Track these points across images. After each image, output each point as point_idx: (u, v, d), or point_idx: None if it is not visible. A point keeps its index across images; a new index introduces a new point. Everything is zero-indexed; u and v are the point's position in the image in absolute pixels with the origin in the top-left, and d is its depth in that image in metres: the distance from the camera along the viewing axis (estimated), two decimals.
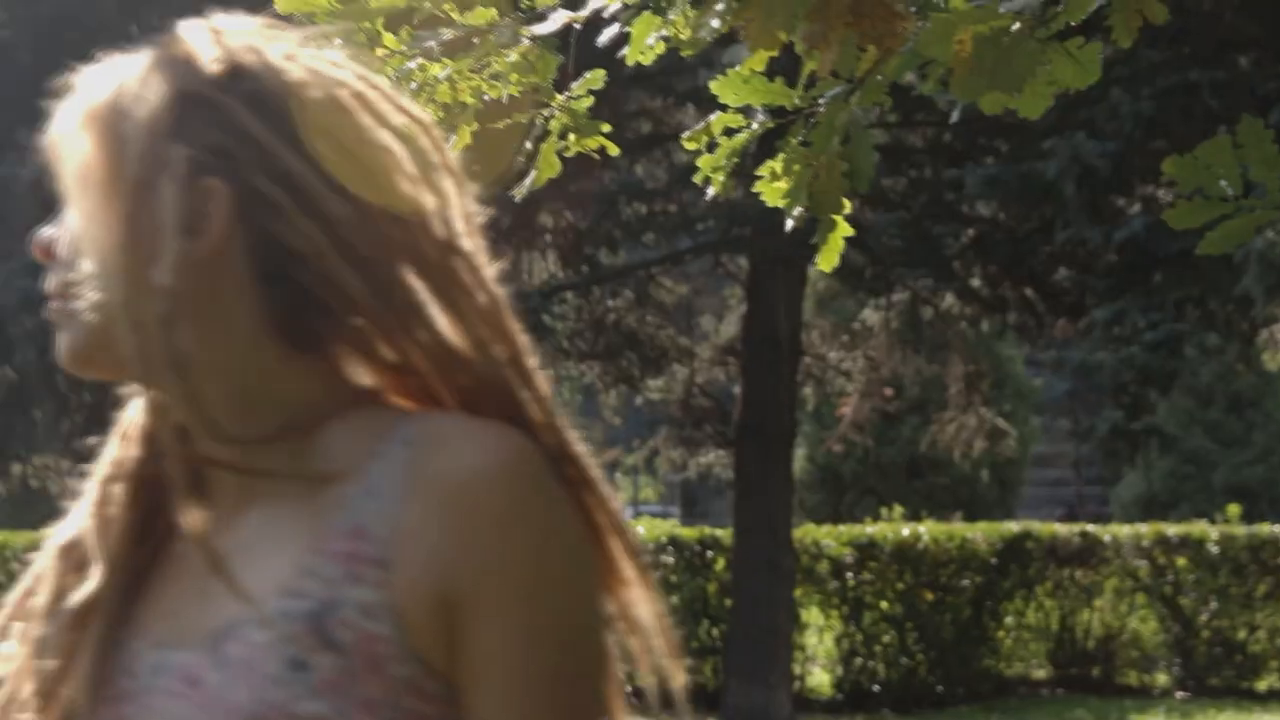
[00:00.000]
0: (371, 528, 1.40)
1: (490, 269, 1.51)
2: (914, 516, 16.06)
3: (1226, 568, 14.22)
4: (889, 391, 15.70)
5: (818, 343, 14.98)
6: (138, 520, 1.53)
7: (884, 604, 14.04)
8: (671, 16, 2.93)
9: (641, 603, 1.50)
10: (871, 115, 3.05)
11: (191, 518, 1.43)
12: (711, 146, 2.99)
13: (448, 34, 2.94)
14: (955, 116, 3.50)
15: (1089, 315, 12.29)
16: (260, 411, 1.46)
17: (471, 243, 1.51)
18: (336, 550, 1.41)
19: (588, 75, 2.98)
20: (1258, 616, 14.27)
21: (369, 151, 1.47)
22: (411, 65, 2.93)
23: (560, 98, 2.99)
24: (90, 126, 1.47)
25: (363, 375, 1.50)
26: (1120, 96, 10.40)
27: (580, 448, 1.48)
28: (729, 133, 2.99)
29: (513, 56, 2.99)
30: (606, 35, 2.93)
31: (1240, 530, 14.43)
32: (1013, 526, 14.72)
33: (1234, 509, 15.12)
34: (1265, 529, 14.51)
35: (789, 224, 2.97)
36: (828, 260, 3.01)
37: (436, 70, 2.96)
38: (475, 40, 2.97)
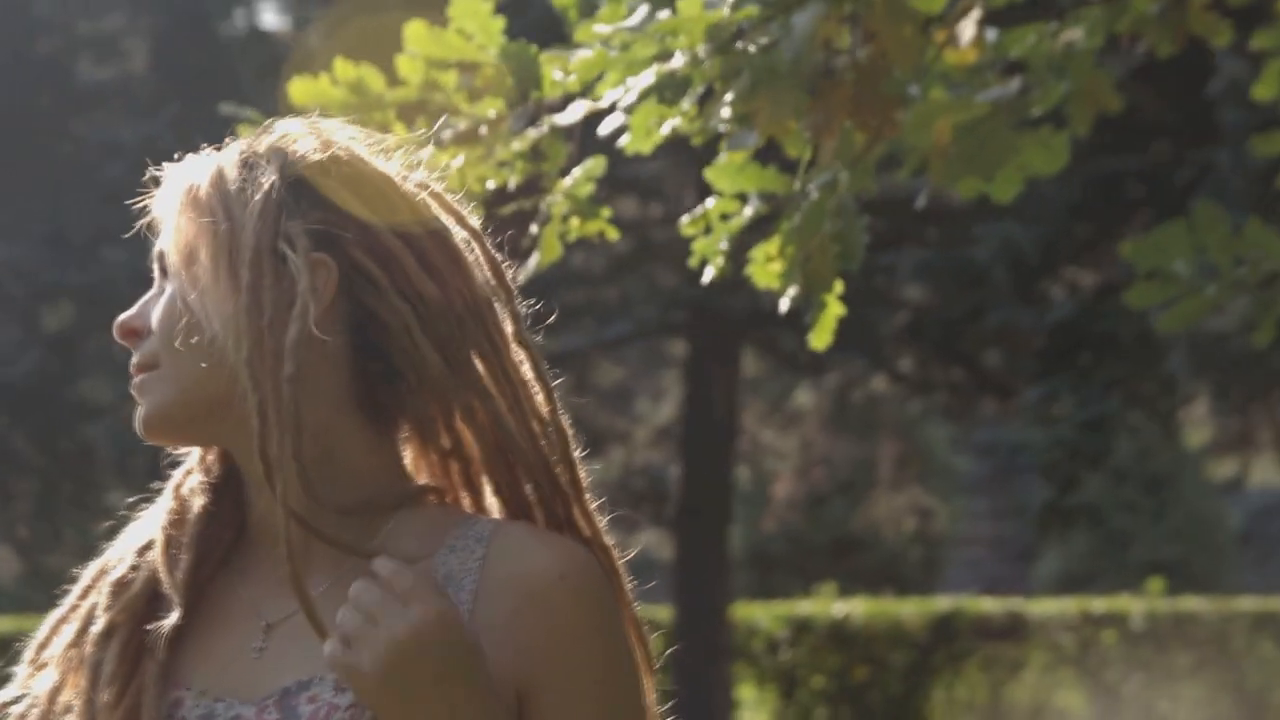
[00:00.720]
0: None
1: (546, 365, 1.64)
2: (843, 594, 16.24)
3: (1150, 641, 14.49)
4: (819, 471, 15.92)
5: (751, 425, 15.17)
6: (192, 568, 1.60)
7: (818, 680, 14.22)
8: (685, 106, 3.09)
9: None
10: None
11: (298, 576, 1.50)
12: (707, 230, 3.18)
13: (461, 124, 3.11)
14: (922, 202, 3.69)
15: (1019, 396, 12.57)
16: (341, 480, 1.56)
17: (532, 340, 1.64)
18: None
19: (588, 163, 3.14)
20: (1181, 689, 14.53)
21: (452, 243, 1.61)
22: (423, 155, 3.10)
23: (563, 183, 3.14)
24: (195, 208, 1.58)
25: (417, 468, 1.63)
26: (1047, 184, 10.71)
27: (610, 539, 1.63)
28: (724, 217, 3.17)
29: (516, 145, 3.15)
30: (608, 125, 3.08)
31: (1163, 604, 14.71)
32: (943, 603, 14.97)
33: (1157, 584, 15.39)
34: (1188, 602, 14.80)
35: (784, 303, 3.17)
36: (821, 338, 3.20)
37: (446, 158, 3.10)
38: (483, 130, 3.13)
